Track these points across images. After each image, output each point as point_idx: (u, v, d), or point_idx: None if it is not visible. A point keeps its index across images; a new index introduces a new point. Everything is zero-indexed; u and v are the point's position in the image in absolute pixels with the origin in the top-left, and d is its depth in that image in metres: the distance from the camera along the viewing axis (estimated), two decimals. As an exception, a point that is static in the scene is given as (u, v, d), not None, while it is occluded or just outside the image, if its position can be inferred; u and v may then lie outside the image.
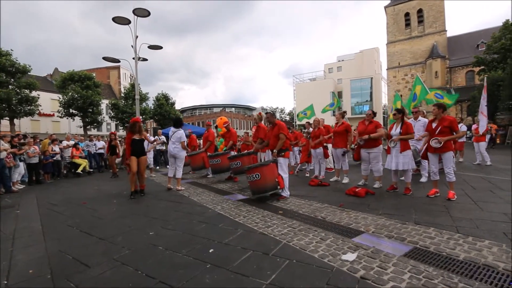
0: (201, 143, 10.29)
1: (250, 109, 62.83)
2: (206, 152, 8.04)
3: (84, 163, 9.73)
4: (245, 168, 4.84)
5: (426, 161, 4.98)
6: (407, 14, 39.11)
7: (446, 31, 37.00)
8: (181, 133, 6.00)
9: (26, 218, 4.24)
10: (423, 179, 5.72)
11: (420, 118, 6.00)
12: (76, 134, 15.01)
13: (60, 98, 25.11)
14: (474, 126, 9.24)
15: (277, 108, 73.38)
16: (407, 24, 39.23)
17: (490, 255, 2.30)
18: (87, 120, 25.72)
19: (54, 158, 8.81)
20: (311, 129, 7.52)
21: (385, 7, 41.00)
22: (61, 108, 25.03)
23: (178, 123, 6.18)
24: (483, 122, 7.96)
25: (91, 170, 10.25)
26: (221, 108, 56.07)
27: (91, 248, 2.88)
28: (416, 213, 3.59)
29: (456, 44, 36.95)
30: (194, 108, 60.22)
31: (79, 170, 9.45)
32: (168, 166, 5.97)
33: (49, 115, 33.22)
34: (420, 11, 38.19)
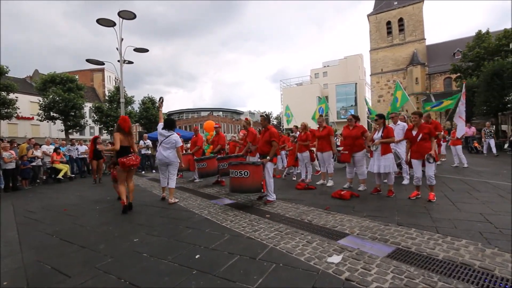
0: (189, 147, 10.17)
1: (238, 113, 62.84)
2: (193, 155, 7.97)
3: (65, 168, 9.38)
4: (233, 163, 4.79)
5: (407, 165, 5.18)
6: (388, 23, 40.70)
7: (425, 39, 38.77)
8: (176, 137, 5.09)
9: (1, 227, 4.03)
10: (405, 182, 5.91)
11: (399, 122, 6.23)
12: (57, 138, 14.46)
13: (40, 101, 24.17)
14: (467, 129, 10.09)
15: (265, 112, 73.82)
16: (389, 32, 40.80)
17: (467, 254, 2.40)
18: (69, 123, 24.85)
19: (33, 164, 8.44)
20: (297, 134, 7.63)
21: (368, 15, 42.48)
22: (41, 111, 24.08)
23: (171, 125, 5.16)
24: (461, 126, 8.36)
25: (73, 175, 9.89)
26: (208, 112, 55.77)
27: (71, 257, 2.77)
28: (399, 214, 3.70)
29: (435, 52, 38.74)
30: (181, 112, 59.52)
31: (60, 176, 9.09)
32: (154, 171, 5.57)
33: (28, 119, 31.86)
34: (401, 20, 39.85)
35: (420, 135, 4.43)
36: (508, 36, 23.31)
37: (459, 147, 8.76)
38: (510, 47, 20.28)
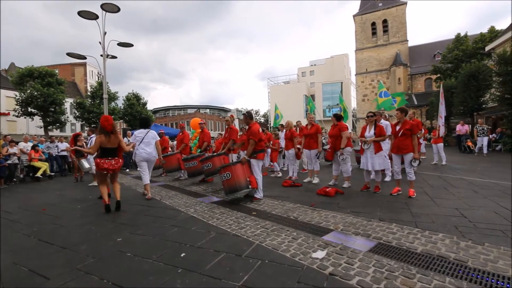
0: (175, 144, 10.02)
1: (226, 110, 62.44)
2: (181, 153, 7.87)
3: (44, 166, 9.00)
4: (217, 168, 4.83)
5: (390, 161, 5.34)
6: (373, 24, 41.59)
7: (407, 41, 39.95)
8: (154, 132, 5.52)
9: (-26, 229, 3.82)
10: (387, 179, 6.10)
11: (382, 120, 6.41)
12: (35, 135, 13.83)
13: (17, 96, 22.95)
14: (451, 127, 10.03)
15: (252, 109, 73.80)
16: (374, 33, 41.72)
17: (443, 247, 2.52)
18: (48, 120, 23.77)
19: (9, 162, 8.04)
20: (279, 132, 7.80)
21: (354, 16, 43.22)
22: (18, 107, 22.91)
23: (146, 123, 5.62)
24: (441, 124, 8.73)
25: (53, 174, 9.50)
26: (195, 109, 55.06)
27: (51, 258, 2.67)
28: (381, 210, 3.82)
29: (416, 53, 40.05)
30: (167, 109, 58.44)
31: (38, 174, 8.72)
32: (139, 170, 5.49)
33: (4, 114, 30.29)
34: (385, 21, 40.83)
35: (401, 131, 4.58)
36: (483, 40, 24.50)
37: (441, 145, 9.12)
38: (486, 50, 21.29)
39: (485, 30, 27.03)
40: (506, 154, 11.91)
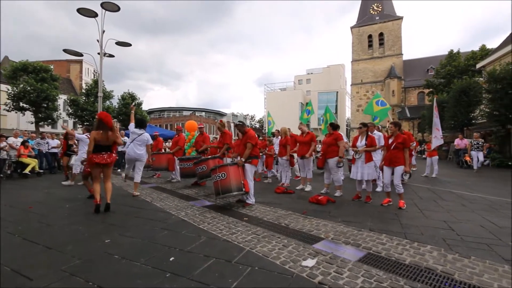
0: (168, 146, 9.93)
1: (221, 114, 62.44)
2: (173, 155, 7.81)
3: (33, 163, 8.79)
4: (212, 168, 4.81)
5: (381, 172, 5.41)
6: (370, 36, 42.54)
7: (402, 54, 40.95)
8: (148, 136, 5.64)
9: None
10: (379, 189, 6.17)
11: (375, 131, 6.52)
12: (25, 130, 13.56)
13: (9, 90, 22.52)
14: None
15: (248, 115, 74.02)
16: (370, 45, 42.64)
17: (431, 259, 2.56)
18: (40, 115, 23.35)
19: (-4, 157, 7.85)
20: (274, 138, 7.82)
21: (351, 28, 44.15)
22: (9, 101, 22.45)
23: (142, 124, 5.74)
24: (436, 137, 8.85)
25: (41, 171, 9.29)
26: (191, 112, 54.89)
27: (35, 259, 2.60)
28: (371, 220, 3.86)
29: (410, 67, 41.02)
30: (162, 110, 58.09)
31: (26, 171, 8.51)
32: (126, 167, 5.56)
33: (-6, 108, 29.57)
34: (381, 34, 41.82)
35: (394, 144, 4.66)
36: (475, 57, 25.29)
37: (435, 158, 9.25)
38: (477, 67, 21.96)
39: (476, 48, 27.96)
40: (494, 169, 12.20)
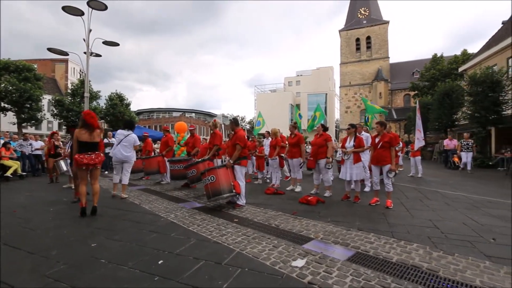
0: (157, 147, 9.78)
1: (211, 115, 62.05)
2: (163, 157, 7.70)
3: (15, 165, 8.47)
4: (201, 171, 4.78)
5: (369, 172, 5.53)
6: (358, 40, 43.48)
7: (389, 57, 42.06)
8: (135, 136, 5.57)
9: None
10: (367, 189, 6.29)
11: (363, 132, 6.66)
12: (7, 132, 13.03)
13: (-12, 89, 21.59)
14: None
15: (238, 116, 73.88)
16: (358, 48, 43.58)
17: (417, 257, 2.63)
18: (23, 116, 22.45)
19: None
20: (264, 139, 7.84)
21: (340, 31, 44.96)
22: (-11, 101, 21.52)
23: (130, 125, 5.72)
24: (418, 138, 9.14)
25: (24, 173, 8.96)
26: (180, 113, 54.29)
27: (17, 264, 2.51)
28: (360, 220, 3.93)
29: (397, 70, 42.18)
30: (151, 111, 57.16)
31: (8, 174, 8.19)
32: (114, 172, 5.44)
33: (-29, 108, 28.25)
34: (368, 38, 42.82)
35: (380, 143, 4.77)
36: (457, 61, 26.24)
37: (418, 158, 9.53)
38: (459, 71, 22.78)
39: (458, 52, 29.00)
40: (476, 169, 12.62)
